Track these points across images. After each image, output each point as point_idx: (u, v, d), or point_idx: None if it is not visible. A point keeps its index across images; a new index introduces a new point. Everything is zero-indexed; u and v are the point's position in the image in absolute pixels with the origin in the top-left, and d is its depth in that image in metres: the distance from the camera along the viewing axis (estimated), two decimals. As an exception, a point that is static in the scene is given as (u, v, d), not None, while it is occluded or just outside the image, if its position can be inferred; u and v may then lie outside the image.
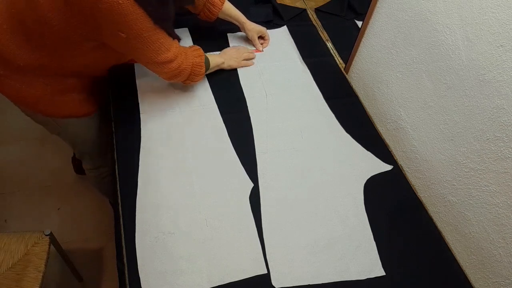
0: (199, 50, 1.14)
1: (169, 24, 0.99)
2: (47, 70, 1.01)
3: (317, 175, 1.10)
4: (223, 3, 1.27)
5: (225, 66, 1.29)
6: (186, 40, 1.40)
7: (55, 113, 1.13)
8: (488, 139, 0.89)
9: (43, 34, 0.92)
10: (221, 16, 1.31)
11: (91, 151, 1.35)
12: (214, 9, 1.27)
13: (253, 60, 1.37)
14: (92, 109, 1.23)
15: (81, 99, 1.16)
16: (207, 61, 1.16)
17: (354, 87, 1.37)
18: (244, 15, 1.50)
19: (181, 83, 1.17)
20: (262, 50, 1.42)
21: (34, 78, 1.02)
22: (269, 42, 1.43)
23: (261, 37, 1.42)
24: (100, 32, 0.90)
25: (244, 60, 1.34)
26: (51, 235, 1.22)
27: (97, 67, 1.13)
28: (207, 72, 1.21)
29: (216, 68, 1.26)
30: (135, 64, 1.28)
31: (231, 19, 1.35)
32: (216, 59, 1.24)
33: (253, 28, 1.37)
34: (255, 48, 1.41)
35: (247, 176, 1.07)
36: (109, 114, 1.18)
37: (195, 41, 1.40)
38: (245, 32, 1.39)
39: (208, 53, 1.20)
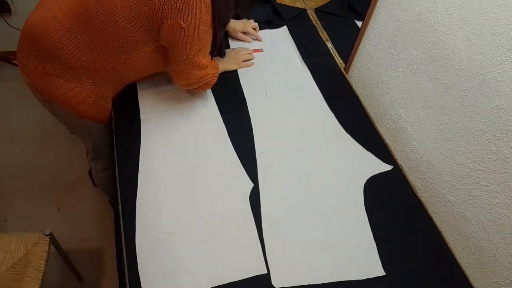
0: (215, 61, 1.17)
1: (222, 29, 1.06)
2: (100, 73, 1.03)
3: (317, 175, 1.10)
4: None
5: (227, 69, 1.31)
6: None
7: (91, 116, 1.13)
8: (488, 139, 0.89)
9: (108, 34, 0.95)
10: None
11: (108, 153, 1.36)
12: None
13: (252, 61, 1.37)
14: (109, 116, 1.23)
15: (107, 107, 1.17)
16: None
17: (354, 87, 1.37)
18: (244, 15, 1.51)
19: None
20: (262, 50, 1.42)
21: (85, 79, 1.03)
22: (257, 29, 1.46)
23: (245, 32, 1.45)
24: (162, 26, 0.94)
25: (244, 61, 1.34)
26: (51, 235, 1.21)
27: (145, 73, 1.15)
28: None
29: (219, 73, 1.26)
30: None
31: None
32: (221, 65, 1.26)
33: (234, 27, 1.41)
34: (253, 48, 1.42)
35: (247, 176, 1.07)
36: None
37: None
38: (230, 34, 1.44)
39: None
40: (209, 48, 1.07)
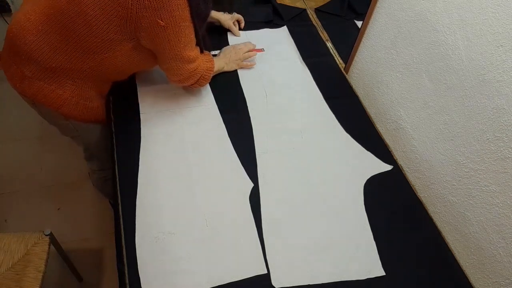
0: (209, 55, 1.17)
1: (202, 24, 1.05)
2: (79, 73, 1.02)
3: (317, 175, 1.10)
4: None
5: (226, 69, 1.30)
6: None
7: (77, 117, 1.13)
8: (488, 139, 0.89)
9: (81, 35, 0.94)
10: None
11: (102, 153, 1.36)
12: None
13: (254, 60, 1.36)
14: (104, 116, 1.23)
15: (102, 105, 1.18)
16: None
17: (354, 87, 1.37)
18: (244, 15, 1.51)
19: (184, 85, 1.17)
20: (264, 50, 1.42)
21: (64, 80, 1.03)
22: (242, 20, 1.49)
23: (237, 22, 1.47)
24: (139, 25, 0.92)
25: (245, 61, 1.34)
26: (51, 235, 1.21)
27: (127, 72, 1.15)
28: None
29: (218, 72, 1.26)
30: None
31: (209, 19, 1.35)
32: (218, 63, 1.25)
33: (226, 17, 1.42)
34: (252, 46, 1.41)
35: (247, 176, 1.07)
36: (109, 114, 1.18)
37: (195, 41, 1.40)
38: (222, 24, 1.43)
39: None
40: (194, 40, 1.05)
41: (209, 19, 1.33)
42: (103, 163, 1.43)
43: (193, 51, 1.06)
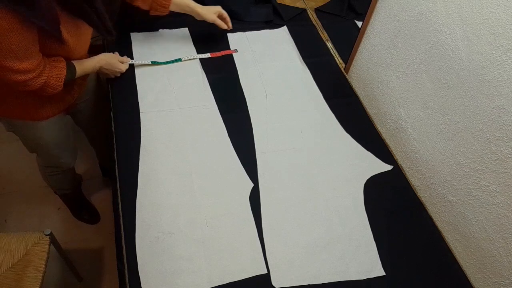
0: (59, 61, 1.00)
1: (52, 23, 0.88)
2: None
3: (317, 175, 1.10)
4: None
5: (99, 72, 1.20)
6: (186, 40, 1.40)
7: (7, 113, 1.10)
8: (488, 139, 0.89)
9: None
10: (173, 8, 1.25)
11: (42, 151, 1.32)
12: (165, 2, 1.21)
13: (249, 61, 1.35)
14: (48, 114, 1.16)
15: (36, 104, 1.11)
16: (71, 70, 1.05)
17: (354, 87, 1.37)
18: (244, 15, 1.51)
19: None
20: (237, 50, 1.39)
21: None
22: (229, 19, 1.36)
23: (220, 17, 1.34)
24: None
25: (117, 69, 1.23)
26: (51, 235, 1.21)
27: None
28: (76, 77, 1.09)
29: (89, 72, 1.15)
30: (135, 64, 1.28)
31: (183, 9, 1.28)
32: (90, 63, 1.13)
33: (208, 11, 1.30)
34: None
35: (247, 176, 1.07)
36: (107, 113, 1.18)
37: (195, 41, 1.40)
38: (202, 18, 1.30)
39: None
40: (30, 50, 0.89)
41: (182, 10, 1.27)
42: (45, 161, 1.39)
43: (23, 62, 0.89)
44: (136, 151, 1.08)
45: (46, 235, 1.20)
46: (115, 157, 1.07)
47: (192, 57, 1.34)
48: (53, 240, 1.23)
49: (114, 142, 1.10)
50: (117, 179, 1.02)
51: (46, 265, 1.15)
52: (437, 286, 0.95)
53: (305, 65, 1.39)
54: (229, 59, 1.37)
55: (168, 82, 1.25)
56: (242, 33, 1.46)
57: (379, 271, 0.94)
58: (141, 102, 1.19)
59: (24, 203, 1.76)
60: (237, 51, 1.40)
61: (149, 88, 1.23)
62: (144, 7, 1.22)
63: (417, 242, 1.01)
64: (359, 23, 1.30)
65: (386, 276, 0.94)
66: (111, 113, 1.18)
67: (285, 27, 1.52)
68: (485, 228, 0.93)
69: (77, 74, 1.07)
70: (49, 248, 1.19)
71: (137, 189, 1.00)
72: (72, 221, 1.71)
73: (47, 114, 1.15)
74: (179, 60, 1.33)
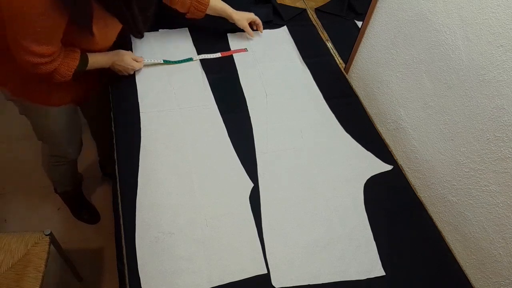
0: (75, 52, 1.03)
1: (81, 14, 0.90)
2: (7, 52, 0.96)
3: (317, 175, 1.10)
4: None
5: (112, 68, 1.20)
6: (186, 40, 1.40)
7: (23, 94, 1.12)
8: (488, 139, 0.89)
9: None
10: (208, 12, 1.31)
11: (49, 139, 1.35)
12: (201, 7, 1.27)
13: (249, 61, 1.36)
14: (60, 101, 1.18)
15: (50, 89, 1.12)
16: (84, 61, 1.07)
17: (354, 87, 1.37)
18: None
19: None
20: (247, 49, 1.42)
21: (5, 58, 0.99)
22: (261, 24, 1.44)
23: (252, 23, 1.43)
24: None
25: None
26: (51, 235, 1.21)
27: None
28: (87, 69, 1.10)
29: (98, 66, 1.14)
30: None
31: (218, 13, 1.34)
32: (102, 58, 1.14)
33: (241, 16, 1.37)
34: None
35: (247, 176, 1.07)
36: (107, 113, 1.18)
37: (195, 41, 1.40)
38: (234, 22, 1.37)
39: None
40: (53, 37, 0.91)
41: (217, 13, 1.33)
42: (52, 150, 1.41)
43: (42, 46, 0.90)
44: (136, 151, 1.08)
45: (46, 235, 1.20)
46: (115, 157, 1.07)
47: (203, 57, 1.35)
48: (53, 240, 1.23)
49: (114, 142, 1.10)
50: (117, 179, 1.02)
51: (46, 265, 1.15)
52: (437, 286, 0.95)
53: (305, 65, 1.39)
54: (229, 59, 1.37)
55: (168, 82, 1.25)
56: (242, 33, 1.46)
57: (379, 271, 0.94)
58: (141, 102, 1.19)
59: (24, 203, 1.76)
60: (247, 50, 1.41)
61: (149, 88, 1.23)
62: (182, 10, 1.28)
63: (417, 242, 1.01)
64: (359, 23, 1.30)
65: (386, 276, 0.94)
66: (111, 113, 1.18)
67: (285, 27, 1.52)
68: (485, 228, 0.93)
69: (89, 66, 1.09)
70: (49, 248, 1.19)
71: (137, 189, 1.00)
72: (72, 221, 1.71)
73: (59, 101, 1.18)
74: (190, 59, 1.33)
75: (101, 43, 1.05)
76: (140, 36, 1.07)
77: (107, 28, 1.04)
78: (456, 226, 1.02)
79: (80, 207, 1.72)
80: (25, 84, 1.09)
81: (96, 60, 1.11)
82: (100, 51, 1.12)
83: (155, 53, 1.34)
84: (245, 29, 1.39)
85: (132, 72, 1.24)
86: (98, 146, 1.75)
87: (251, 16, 1.40)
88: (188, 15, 1.30)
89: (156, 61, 1.29)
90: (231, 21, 1.37)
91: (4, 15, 0.86)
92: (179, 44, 1.39)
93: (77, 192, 1.70)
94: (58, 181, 1.59)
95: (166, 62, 1.30)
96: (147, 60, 1.28)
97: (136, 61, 1.24)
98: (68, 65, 1.01)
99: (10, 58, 0.97)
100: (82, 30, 0.96)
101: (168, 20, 1.30)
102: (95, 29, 0.97)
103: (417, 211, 1.08)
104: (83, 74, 1.10)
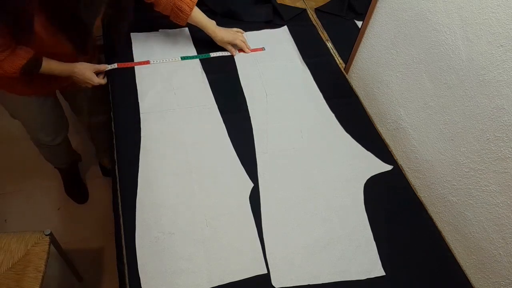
0: (27, 52, 1.02)
1: (7, 16, 0.89)
2: None
3: (317, 175, 1.10)
4: (192, 10, 1.24)
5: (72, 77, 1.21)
6: (186, 40, 1.40)
7: None
8: (488, 139, 0.89)
9: None
10: (191, 22, 1.29)
11: (22, 123, 1.39)
12: (182, 15, 1.25)
13: (249, 61, 1.35)
14: (22, 91, 1.20)
15: (11, 79, 1.10)
16: (36, 64, 1.07)
17: (354, 87, 1.37)
18: (244, 15, 1.51)
19: None
20: (264, 48, 1.42)
21: None
22: (245, 46, 1.39)
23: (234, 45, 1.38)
24: None
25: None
26: (51, 235, 1.21)
27: None
28: (42, 72, 1.11)
29: (54, 73, 1.15)
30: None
31: (201, 28, 1.32)
32: (66, 67, 1.15)
33: (222, 38, 1.33)
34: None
35: (247, 176, 1.07)
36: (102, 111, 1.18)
37: (195, 41, 1.40)
38: (216, 42, 1.35)
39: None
40: None
41: (198, 26, 1.31)
42: (28, 132, 1.44)
43: None
44: (136, 151, 1.08)
45: (46, 235, 1.20)
46: (115, 157, 1.07)
47: (220, 54, 1.38)
48: (53, 240, 1.23)
49: (114, 142, 1.10)
50: (117, 179, 1.02)
51: (46, 265, 1.15)
52: (437, 286, 0.95)
53: (305, 65, 1.39)
54: (229, 59, 1.37)
55: (168, 82, 1.25)
56: (245, 33, 1.45)
57: (379, 271, 0.94)
58: (141, 102, 1.19)
59: (24, 203, 1.76)
60: (265, 49, 1.42)
61: (149, 88, 1.23)
62: (165, 13, 1.27)
63: (417, 242, 1.01)
64: (359, 23, 1.30)
65: (386, 276, 0.94)
66: (111, 113, 1.18)
67: (285, 27, 1.52)
68: (485, 228, 0.93)
69: (42, 70, 1.10)
70: (49, 248, 1.19)
71: (137, 189, 1.00)
72: (72, 221, 1.71)
73: (21, 91, 1.20)
74: (207, 55, 1.37)
75: (51, 46, 1.03)
76: (84, 55, 1.07)
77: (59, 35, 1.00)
78: (456, 226, 1.02)
79: (72, 185, 1.79)
80: None
81: (50, 67, 1.11)
82: (60, 55, 1.11)
83: (155, 53, 1.34)
84: (227, 49, 1.38)
85: (90, 86, 1.24)
86: (95, 145, 1.75)
87: (234, 40, 1.35)
88: (171, 19, 1.28)
89: (173, 59, 1.32)
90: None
91: None
92: (179, 44, 1.39)
93: (71, 170, 1.76)
94: (49, 159, 1.65)
95: (184, 58, 1.33)
96: (165, 59, 1.32)
97: (100, 70, 1.24)
98: (12, 62, 1.00)
99: None
100: (22, 31, 0.95)
101: (168, 20, 1.29)
102: (40, 31, 0.96)
103: (417, 211, 1.08)
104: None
